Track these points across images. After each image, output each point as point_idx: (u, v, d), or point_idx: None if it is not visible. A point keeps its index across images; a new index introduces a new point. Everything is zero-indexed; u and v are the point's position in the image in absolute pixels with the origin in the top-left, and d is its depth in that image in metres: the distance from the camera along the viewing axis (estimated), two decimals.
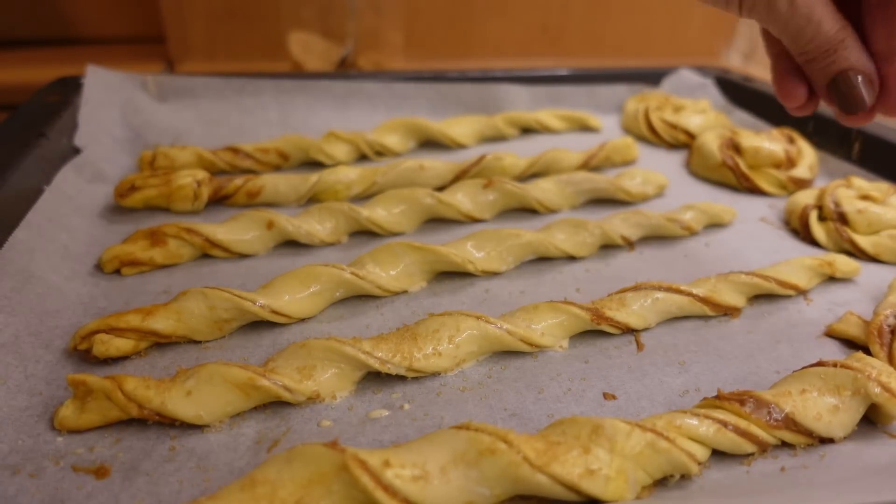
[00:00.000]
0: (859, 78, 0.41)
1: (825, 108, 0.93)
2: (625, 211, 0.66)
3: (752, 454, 0.40)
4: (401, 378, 0.45)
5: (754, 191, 0.79)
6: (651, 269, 0.61)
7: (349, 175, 0.71)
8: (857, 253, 0.65)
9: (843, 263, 0.59)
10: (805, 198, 0.71)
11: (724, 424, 0.39)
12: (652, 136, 0.93)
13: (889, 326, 0.50)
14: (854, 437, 0.42)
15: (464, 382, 0.46)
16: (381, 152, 0.82)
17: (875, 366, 0.42)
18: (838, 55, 0.41)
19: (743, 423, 0.39)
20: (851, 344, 0.52)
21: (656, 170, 0.80)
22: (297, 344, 0.44)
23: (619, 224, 0.64)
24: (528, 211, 0.71)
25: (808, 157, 0.81)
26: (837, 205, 0.67)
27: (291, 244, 0.62)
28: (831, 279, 0.60)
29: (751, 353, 0.50)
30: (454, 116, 0.91)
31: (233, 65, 1.14)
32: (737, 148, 0.80)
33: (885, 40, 0.41)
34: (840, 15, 0.41)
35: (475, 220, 0.68)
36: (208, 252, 0.59)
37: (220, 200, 0.68)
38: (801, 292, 0.58)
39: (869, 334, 0.50)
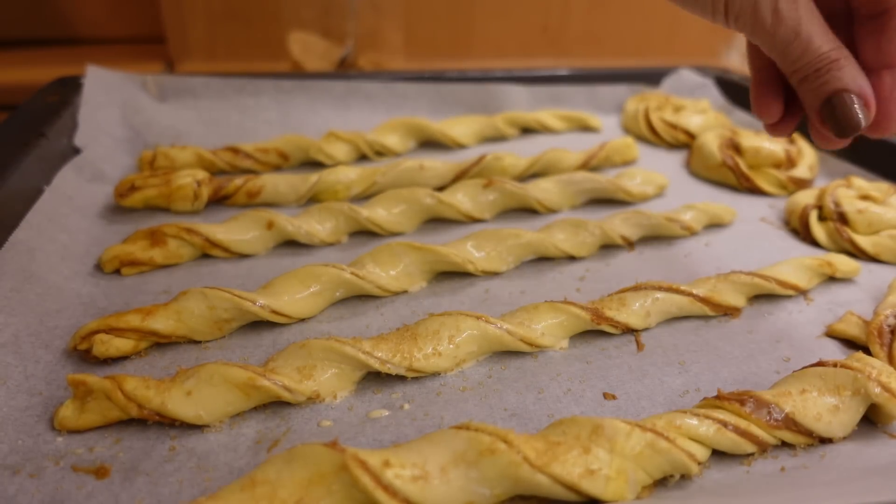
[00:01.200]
0: (854, 99, 0.39)
1: None
2: (625, 211, 0.66)
3: (752, 454, 0.40)
4: (401, 378, 0.45)
5: (754, 191, 0.79)
6: (651, 269, 0.61)
7: (349, 175, 0.71)
8: (857, 253, 0.65)
9: (843, 263, 0.59)
10: (805, 198, 0.71)
11: (724, 424, 0.39)
12: (652, 136, 0.93)
13: (889, 326, 0.50)
14: (854, 437, 0.42)
15: (464, 382, 0.46)
16: (381, 152, 0.82)
17: (875, 366, 0.42)
18: (831, 75, 0.39)
19: (743, 423, 0.39)
20: (851, 344, 0.52)
21: (656, 170, 0.80)
22: (297, 344, 0.44)
23: (619, 224, 0.64)
24: (528, 211, 0.71)
25: (808, 157, 0.81)
26: (837, 205, 0.67)
27: (291, 244, 0.62)
28: (831, 279, 0.60)
29: (751, 353, 0.50)
30: (454, 116, 0.91)
31: (233, 65, 1.14)
32: (737, 148, 0.80)
33: (874, 53, 0.40)
34: (832, 34, 0.40)
35: (475, 220, 0.68)
36: (208, 252, 0.59)
37: (220, 200, 0.68)
38: (802, 292, 0.58)
39: (869, 334, 0.50)
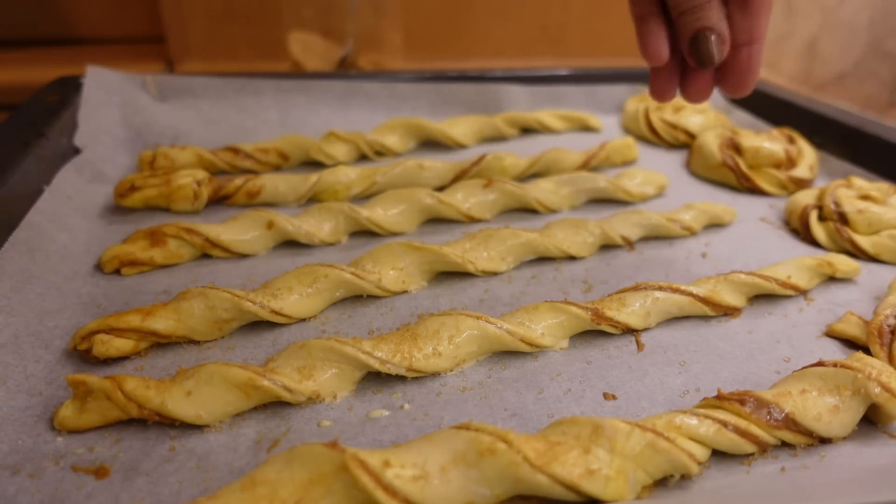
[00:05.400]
0: (713, 37, 0.48)
1: (825, 109, 0.93)
2: (625, 211, 0.66)
3: (752, 454, 0.40)
4: (401, 378, 0.45)
5: (754, 191, 0.79)
6: (651, 269, 0.61)
7: (349, 175, 0.71)
8: (857, 253, 0.65)
9: (843, 263, 0.59)
10: (805, 198, 0.71)
11: (724, 424, 0.39)
12: (652, 136, 0.93)
13: (889, 326, 0.50)
14: (854, 437, 0.42)
15: (464, 382, 0.46)
16: (381, 152, 0.82)
17: (875, 366, 0.42)
18: (703, 13, 0.48)
19: (743, 423, 0.39)
20: (851, 344, 0.52)
21: (656, 170, 0.80)
22: (297, 344, 0.44)
23: (619, 224, 0.64)
24: (528, 211, 0.71)
25: (808, 156, 0.81)
26: (837, 205, 0.67)
27: (291, 244, 0.62)
28: (831, 279, 0.60)
29: (751, 353, 0.50)
30: (454, 116, 0.91)
31: (233, 65, 1.13)
32: (737, 148, 0.80)
33: (737, 30, 0.48)
34: None
35: (475, 220, 0.68)
36: (208, 252, 0.59)
37: (220, 200, 0.68)
38: (802, 292, 0.58)
39: (869, 334, 0.50)
